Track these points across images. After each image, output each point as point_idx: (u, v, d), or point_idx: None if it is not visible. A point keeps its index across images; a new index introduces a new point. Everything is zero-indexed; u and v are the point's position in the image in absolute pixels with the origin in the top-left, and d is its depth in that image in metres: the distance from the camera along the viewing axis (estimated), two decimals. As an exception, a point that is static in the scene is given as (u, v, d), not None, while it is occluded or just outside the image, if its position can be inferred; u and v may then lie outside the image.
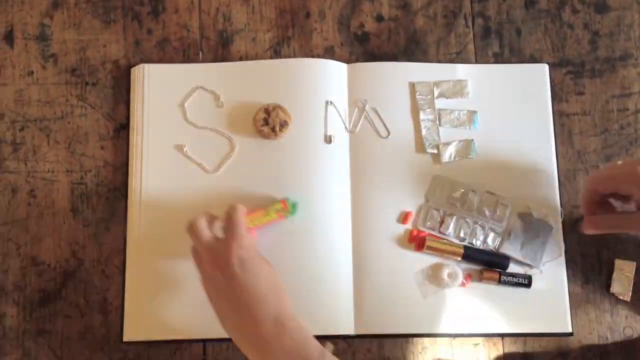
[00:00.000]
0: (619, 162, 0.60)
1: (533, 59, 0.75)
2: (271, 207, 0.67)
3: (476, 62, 0.75)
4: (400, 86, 0.73)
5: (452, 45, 0.75)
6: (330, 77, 0.73)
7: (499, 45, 0.75)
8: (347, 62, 0.74)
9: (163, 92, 0.72)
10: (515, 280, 0.68)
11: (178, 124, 0.71)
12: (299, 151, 0.71)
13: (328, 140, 0.71)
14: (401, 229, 0.70)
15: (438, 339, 0.68)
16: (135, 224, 0.69)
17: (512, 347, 0.69)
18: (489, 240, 0.69)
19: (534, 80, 0.74)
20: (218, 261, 0.59)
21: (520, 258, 0.68)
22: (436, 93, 0.73)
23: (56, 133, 0.72)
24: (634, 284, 0.69)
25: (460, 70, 0.74)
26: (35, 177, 0.71)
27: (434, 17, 0.76)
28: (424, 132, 0.72)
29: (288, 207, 0.67)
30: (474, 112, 0.73)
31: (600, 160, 0.73)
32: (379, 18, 0.76)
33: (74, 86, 0.73)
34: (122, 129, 0.72)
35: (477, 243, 0.69)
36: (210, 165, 0.70)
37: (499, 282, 0.68)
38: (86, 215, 0.70)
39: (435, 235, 0.69)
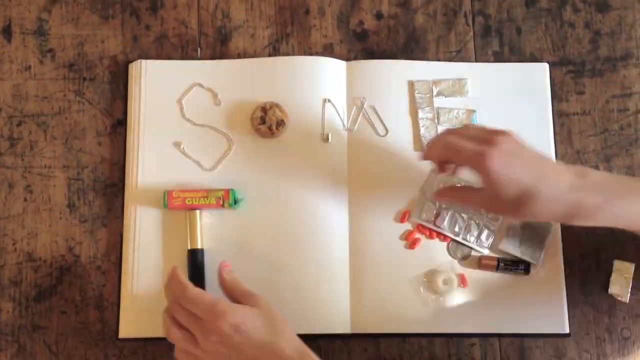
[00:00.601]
0: (465, 147, 0.58)
1: (533, 58, 0.75)
2: (213, 193, 0.67)
3: (476, 61, 0.74)
4: (399, 84, 0.73)
5: (451, 43, 0.75)
6: (329, 75, 0.72)
7: (499, 43, 0.75)
8: (346, 59, 0.73)
9: (161, 89, 0.72)
10: (513, 267, 0.68)
11: (175, 121, 0.71)
12: (297, 150, 0.70)
13: (325, 138, 0.70)
14: (399, 227, 0.69)
15: (435, 339, 0.68)
16: (132, 221, 0.69)
17: (508, 348, 0.68)
18: (483, 237, 0.69)
19: (534, 80, 0.73)
20: (215, 337, 0.56)
21: (519, 255, 0.68)
22: (435, 91, 0.72)
23: (53, 128, 0.72)
24: (633, 285, 0.68)
25: (460, 69, 0.73)
26: (32, 173, 0.71)
27: (433, 15, 0.76)
28: (422, 130, 0.71)
29: (229, 198, 0.67)
30: (473, 111, 0.72)
31: (599, 161, 0.72)
32: (379, 16, 0.76)
33: (71, 81, 0.73)
34: (119, 125, 0.72)
35: (472, 239, 0.69)
36: (207, 162, 0.70)
37: (497, 269, 0.68)
38: (83, 211, 0.70)
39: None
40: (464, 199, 0.64)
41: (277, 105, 0.70)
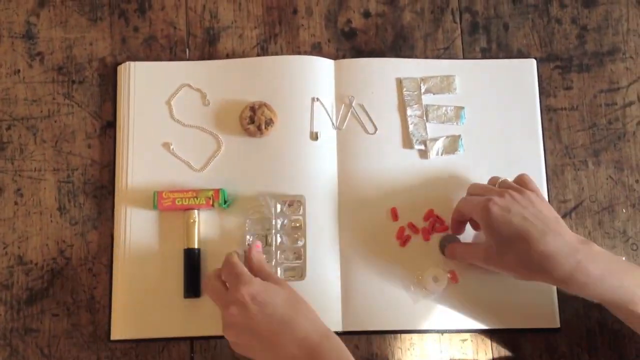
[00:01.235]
0: (476, 198, 0.63)
1: (521, 54, 0.75)
2: (203, 193, 0.67)
3: (464, 58, 0.75)
4: (387, 82, 0.73)
5: (439, 40, 0.75)
6: (317, 74, 0.72)
7: (486, 40, 0.75)
8: (334, 58, 0.74)
9: (150, 90, 0.72)
10: None
11: (165, 122, 0.71)
12: (286, 149, 0.70)
13: (314, 137, 0.71)
14: (389, 225, 0.70)
15: (426, 335, 0.68)
16: (122, 222, 0.69)
17: (500, 343, 0.68)
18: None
19: (521, 76, 0.74)
20: (233, 307, 0.58)
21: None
22: (423, 89, 0.73)
23: (43, 132, 0.72)
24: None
25: (448, 66, 0.74)
26: (22, 176, 0.71)
27: (421, 13, 0.76)
28: (411, 128, 0.72)
29: (219, 198, 0.67)
30: (462, 107, 0.72)
31: (588, 155, 0.72)
32: (366, 14, 0.76)
33: (60, 84, 0.73)
34: (108, 127, 0.72)
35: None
36: (197, 163, 0.70)
37: None
38: (73, 214, 0.70)
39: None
40: (467, 256, 0.66)
41: (265, 105, 0.70)
